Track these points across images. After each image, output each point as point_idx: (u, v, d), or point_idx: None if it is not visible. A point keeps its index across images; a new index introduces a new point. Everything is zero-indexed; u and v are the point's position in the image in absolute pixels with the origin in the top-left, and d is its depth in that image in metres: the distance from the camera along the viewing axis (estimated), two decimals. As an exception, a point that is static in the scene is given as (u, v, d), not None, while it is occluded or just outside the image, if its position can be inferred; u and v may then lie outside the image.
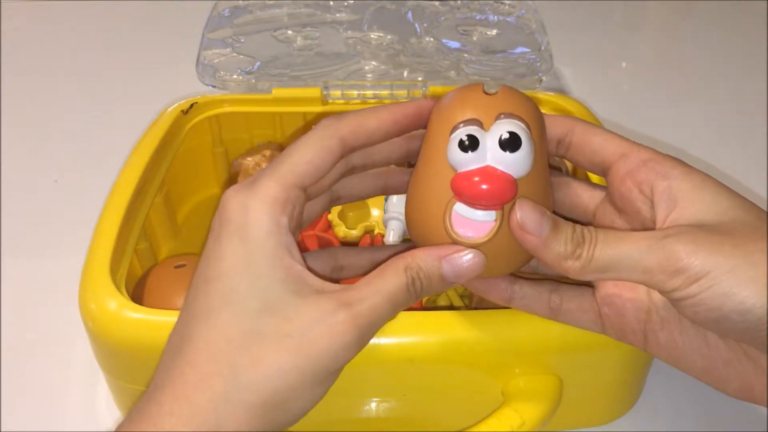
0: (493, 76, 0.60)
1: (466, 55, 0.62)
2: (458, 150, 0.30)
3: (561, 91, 0.70)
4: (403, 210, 0.48)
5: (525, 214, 0.29)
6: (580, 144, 0.34)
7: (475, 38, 0.64)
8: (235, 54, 0.59)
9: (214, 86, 0.57)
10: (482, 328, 0.38)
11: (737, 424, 0.44)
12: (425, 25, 0.65)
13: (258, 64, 0.59)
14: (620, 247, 0.29)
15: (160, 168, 0.49)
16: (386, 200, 0.49)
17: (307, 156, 0.31)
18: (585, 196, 0.35)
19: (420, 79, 0.60)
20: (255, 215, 0.29)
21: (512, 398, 0.38)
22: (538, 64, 0.61)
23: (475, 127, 0.30)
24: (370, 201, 0.52)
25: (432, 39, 0.64)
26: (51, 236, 0.58)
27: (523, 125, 0.30)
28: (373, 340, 0.36)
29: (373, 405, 0.40)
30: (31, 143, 0.69)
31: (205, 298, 0.28)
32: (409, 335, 0.37)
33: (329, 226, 0.51)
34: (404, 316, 0.37)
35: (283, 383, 0.27)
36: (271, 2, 0.66)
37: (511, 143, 0.30)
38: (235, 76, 0.57)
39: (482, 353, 0.38)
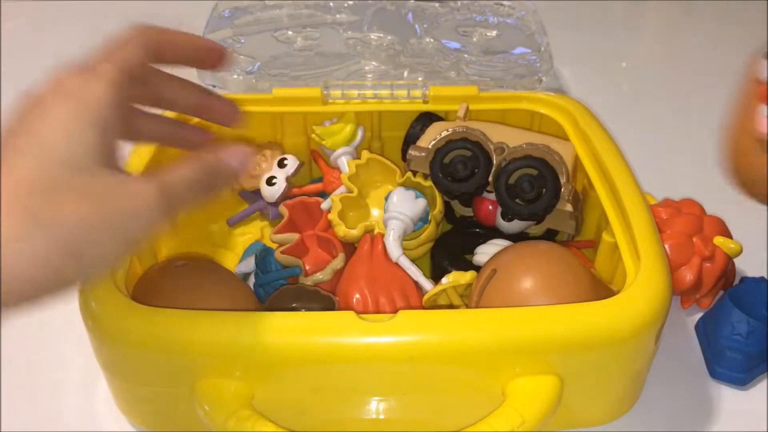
0: (493, 77, 0.60)
1: (466, 55, 0.62)
2: None
3: (561, 91, 0.70)
4: (403, 209, 0.48)
5: None
6: None
7: (475, 39, 0.64)
8: (235, 54, 0.59)
9: (214, 86, 0.57)
10: (482, 327, 0.38)
11: (737, 423, 0.45)
12: (425, 26, 0.65)
13: (258, 64, 0.59)
14: None
15: (160, 167, 0.49)
16: (386, 200, 0.49)
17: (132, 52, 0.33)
18: None
19: (420, 79, 0.60)
20: (91, 86, 0.30)
21: (512, 397, 0.38)
22: (538, 64, 0.61)
23: None
24: (370, 201, 0.52)
25: (432, 40, 0.64)
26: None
27: None
28: (374, 339, 0.37)
29: (373, 404, 0.40)
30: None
31: (13, 146, 0.28)
32: (409, 334, 0.37)
33: (329, 225, 0.51)
34: (404, 315, 0.37)
35: (82, 232, 0.27)
36: (272, 3, 0.67)
37: None
38: (235, 76, 0.57)
39: (482, 352, 0.38)
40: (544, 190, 0.48)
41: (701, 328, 0.50)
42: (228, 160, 0.34)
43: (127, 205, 0.28)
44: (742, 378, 0.46)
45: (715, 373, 0.47)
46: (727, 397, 0.46)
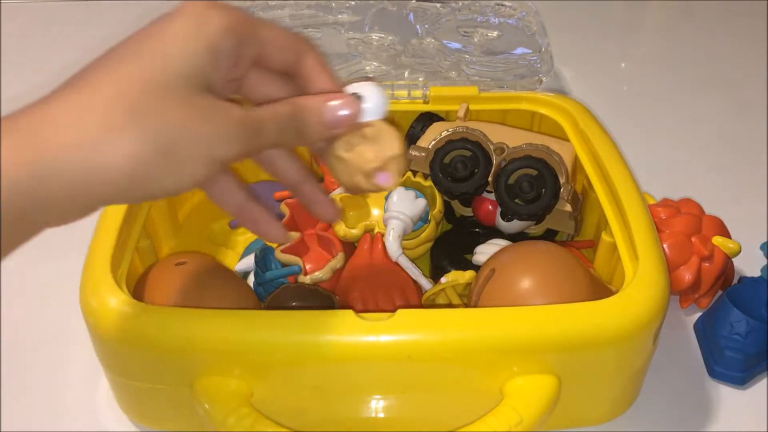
0: (493, 77, 0.60)
1: (467, 56, 0.63)
2: None
3: (561, 92, 0.70)
4: (403, 209, 0.48)
5: None
6: None
7: (476, 39, 0.64)
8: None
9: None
10: (481, 326, 0.38)
11: (736, 423, 0.45)
12: (426, 26, 0.65)
13: (259, 64, 0.59)
14: None
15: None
16: (386, 199, 0.49)
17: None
18: None
19: (421, 79, 0.60)
20: (211, 14, 0.31)
21: (510, 396, 0.38)
22: (539, 65, 0.61)
23: None
24: (370, 200, 0.52)
25: (433, 40, 0.64)
26: (51, 235, 0.58)
27: None
28: (372, 338, 0.37)
29: (372, 403, 0.40)
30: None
31: (134, 47, 0.30)
32: (407, 333, 0.37)
33: (329, 225, 0.51)
34: (403, 314, 0.38)
35: (177, 137, 0.28)
36: (274, 3, 0.67)
37: None
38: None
39: (480, 352, 0.38)
40: (543, 190, 0.48)
41: (700, 327, 0.50)
42: (326, 113, 0.34)
43: (212, 124, 0.29)
44: (741, 377, 0.46)
45: (714, 373, 0.47)
46: (726, 396, 0.46)
